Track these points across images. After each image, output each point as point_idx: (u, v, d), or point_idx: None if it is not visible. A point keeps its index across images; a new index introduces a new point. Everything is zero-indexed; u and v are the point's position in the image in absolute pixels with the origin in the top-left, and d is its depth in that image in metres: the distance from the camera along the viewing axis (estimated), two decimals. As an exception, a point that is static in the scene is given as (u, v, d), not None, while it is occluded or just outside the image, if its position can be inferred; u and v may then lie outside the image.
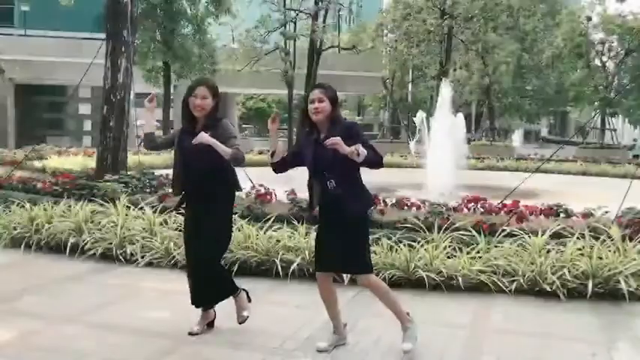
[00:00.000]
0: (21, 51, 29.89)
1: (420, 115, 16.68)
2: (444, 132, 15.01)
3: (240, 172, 4.64)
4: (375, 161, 3.88)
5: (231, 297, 4.48)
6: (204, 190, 4.29)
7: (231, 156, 4.15)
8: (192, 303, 4.47)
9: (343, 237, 4.01)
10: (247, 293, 4.55)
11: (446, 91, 16.37)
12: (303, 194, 7.43)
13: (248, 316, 4.43)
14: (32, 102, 31.92)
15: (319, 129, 4.06)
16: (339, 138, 3.76)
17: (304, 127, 4.22)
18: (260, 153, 20.64)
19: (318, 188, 4.05)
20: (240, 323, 4.42)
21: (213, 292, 4.44)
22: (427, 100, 43.56)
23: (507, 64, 37.07)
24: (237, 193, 4.56)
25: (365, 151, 3.78)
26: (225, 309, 4.58)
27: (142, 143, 4.51)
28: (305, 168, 4.14)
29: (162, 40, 25.91)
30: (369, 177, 4.14)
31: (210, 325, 4.54)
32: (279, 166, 4.23)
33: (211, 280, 4.40)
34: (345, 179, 3.99)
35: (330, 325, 4.29)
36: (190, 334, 4.40)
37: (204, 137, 4.09)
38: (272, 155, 4.18)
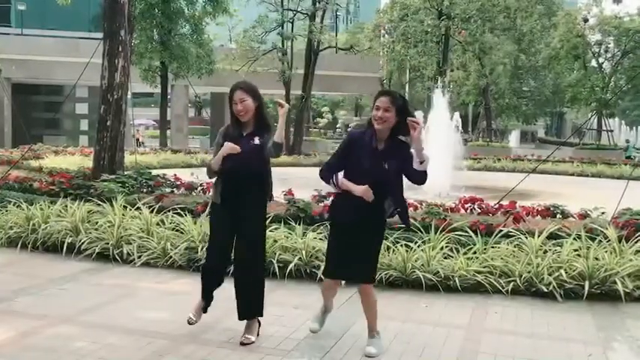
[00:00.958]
0: (18, 50, 29.84)
1: (418, 115, 16.64)
2: (440, 132, 15.03)
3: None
4: (424, 178, 3.97)
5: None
6: (249, 194, 4.26)
7: (281, 141, 4.16)
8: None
9: (367, 247, 4.05)
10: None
11: (441, 92, 16.38)
12: (300, 195, 7.47)
13: (254, 342, 4.29)
14: (29, 101, 31.85)
15: (378, 137, 3.96)
16: (420, 121, 3.83)
17: (368, 127, 4.04)
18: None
19: (354, 198, 3.92)
20: (242, 344, 4.25)
21: (259, 298, 4.36)
22: (424, 101, 43.58)
23: (504, 65, 37.10)
24: None
25: (428, 159, 3.86)
26: (223, 308, 4.58)
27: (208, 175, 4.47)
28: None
29: (159, 40, 25.87)
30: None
31: (204, 310, 4.53)
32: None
33: (258, 285, 4.36)
34: (396, 191, 4.01)
35: (320, 306, 4.44)
36: (190, 322, 4.39)
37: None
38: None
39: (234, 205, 4.28)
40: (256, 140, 4.24)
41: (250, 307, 4.35)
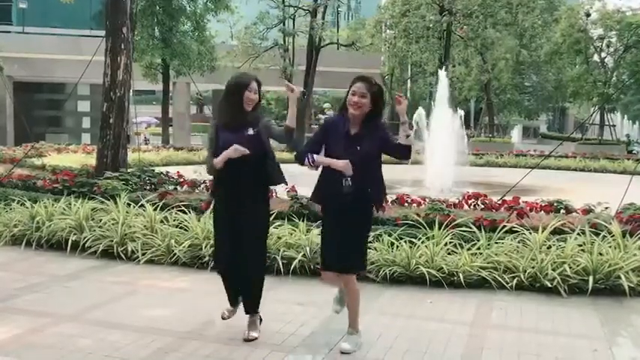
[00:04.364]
0: (19, 48, 29.83)
1: (419, 111, 16.61)
2: (443, 128, 15.01)
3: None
4: (409, 153, 4.02)
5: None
6: (248, 188, 4.26)
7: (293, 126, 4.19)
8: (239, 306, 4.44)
9: (349, 235, 4.02)
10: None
11: (444, 84, 16.33)
12: (304, 191, 7.46)
13: (257, 338, 4.30)
14: (31, 99, 31.86)
15: (352, 122, 4.02)
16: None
17: (340, 113, 4.10)
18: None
19: (332, 184, 3.99)
20: (245, 341, 4.26)
21: (259, 295, 4.41)
22: (426, 97, 43.52)
23: (506, 61, 37.00)
24: None
25: (412, 133, 3.96)
26: (226, 307, 4.58)
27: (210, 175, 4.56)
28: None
29: (160, 37, 25.87)
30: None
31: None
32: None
33: (259, 282, 4.40)
34: (370, 176, 4.00)
35: (337, 290, 4.34)
36: (223, 318, 4.42)
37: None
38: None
39: (234, 200, 4.28)
40: (250, 131, 4.25)
41: (253, 302, 4.37)
